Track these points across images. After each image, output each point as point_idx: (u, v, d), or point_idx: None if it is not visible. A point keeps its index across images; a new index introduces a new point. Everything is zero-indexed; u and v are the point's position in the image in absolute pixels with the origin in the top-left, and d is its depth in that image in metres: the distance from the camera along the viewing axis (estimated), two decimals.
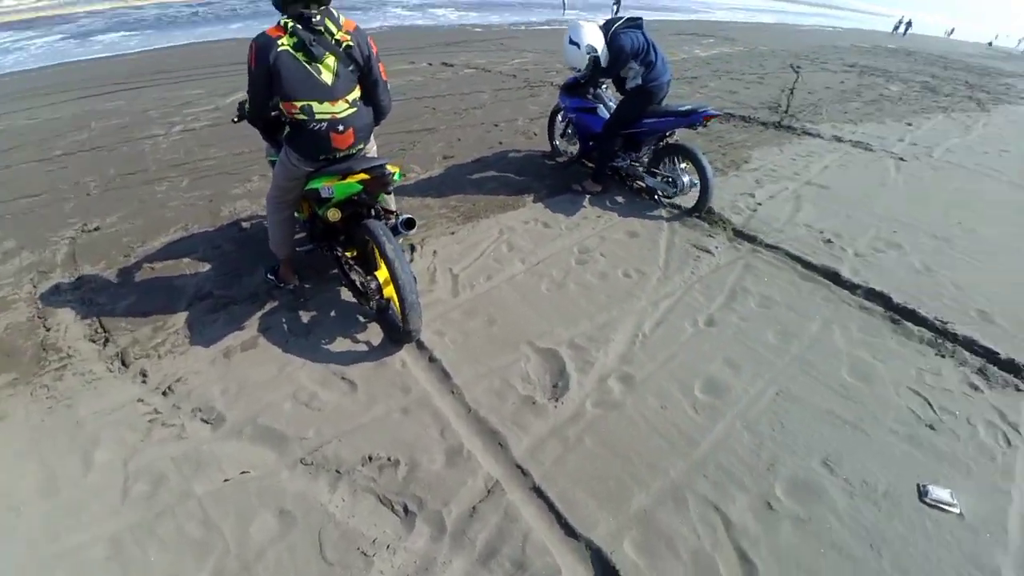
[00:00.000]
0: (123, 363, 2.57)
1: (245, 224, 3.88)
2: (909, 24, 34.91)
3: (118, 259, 3.43)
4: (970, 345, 2.78)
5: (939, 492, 1.96)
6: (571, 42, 3.96)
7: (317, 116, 2.35)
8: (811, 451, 2.11)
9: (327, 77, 2.33)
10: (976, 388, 2.50)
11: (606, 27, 3.96)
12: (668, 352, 2.62)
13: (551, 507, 1.90)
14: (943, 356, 2.70)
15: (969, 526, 1.86)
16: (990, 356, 2.71)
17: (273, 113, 2.63)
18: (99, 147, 5.51)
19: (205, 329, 2.79)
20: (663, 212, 4.13)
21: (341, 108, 2.40)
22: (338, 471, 2.02)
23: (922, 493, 1.96)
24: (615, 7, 4.56)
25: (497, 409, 2.29)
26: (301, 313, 2.91)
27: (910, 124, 7.62)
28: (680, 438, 2.16)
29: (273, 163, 2.94)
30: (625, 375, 2.47)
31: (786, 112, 7.47)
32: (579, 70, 4.15)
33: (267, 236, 2.93)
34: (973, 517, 1.89)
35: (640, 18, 4.04)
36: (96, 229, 3.82)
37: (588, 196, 4.34)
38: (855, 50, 15.88)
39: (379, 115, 2.66)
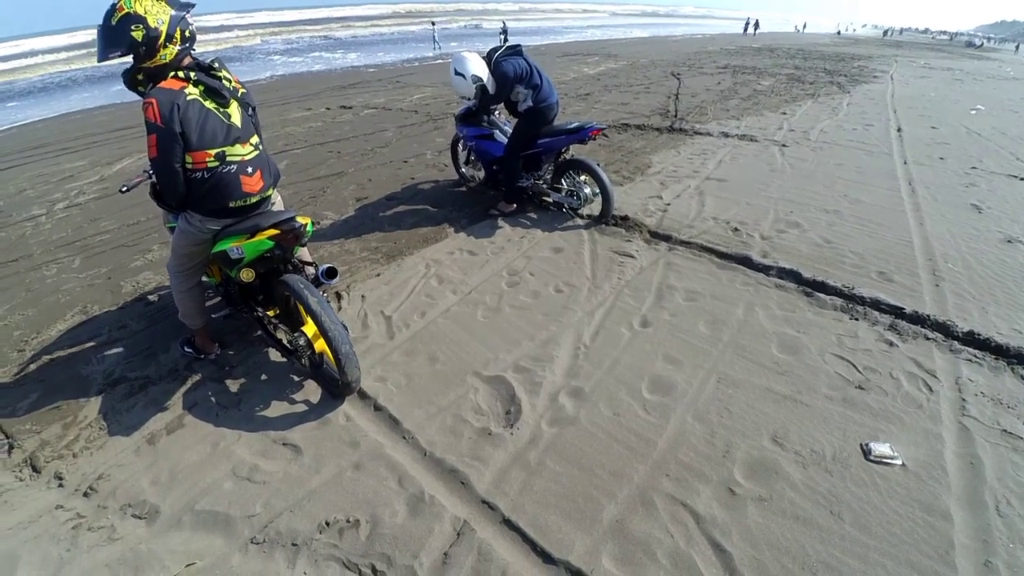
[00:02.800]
0: (34, 469, 2.27)
1: (151, 298, 3.58)
2: (757, 24, 38.88)
3: (11, 355, 3.06)
4: (877, 305, 3.04)
5: (880, 448, 2.10)
6: (456, 73, 4.13)
7: (228, 159, 2.25)
8: (760, 430, 2.21)
9: (236, 120, 2.28)
10: (891, 344, 2.73)
11: (488, 56, 4.16)
12: (611, 359, 2.67)
13: (524, 537, 1.85)
14: (856, 319, 2.93)
15: (913, 474, 2.01)
16: (897, 312, 2.98)
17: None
18: None
19: (123, 417, 2.52)
20: (580, 223, 4.26)
21: (248, 151, 2.33)
22: (295, 544, 1.87)
23: (866, 452, 2.10)
24: (502, 37, 4.76)
25: (454, 447, 2.22)
26: (228, 383, 2.70)
27: (784, 113, 8.39)
28: (637, 441, 2.19)
29: (172, 230, 2.75)
30: (574, 389, 2.49)
31: (675, 116, 7.99)
32: (469, 99, 4.31)
33: (176, 308, 2.72)
34: (915, 465, 2.05)
35: (519, 45, 4.28)
36: None
37: (506, 219, 4.43)
38: (724, 53, 17.33)
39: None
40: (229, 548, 1.88)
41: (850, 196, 4.75)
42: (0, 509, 2.09)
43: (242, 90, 2.38)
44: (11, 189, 6.33)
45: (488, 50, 4.24)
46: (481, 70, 4.08)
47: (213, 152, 2.20)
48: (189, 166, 2.20)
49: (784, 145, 6.46)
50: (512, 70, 4.02)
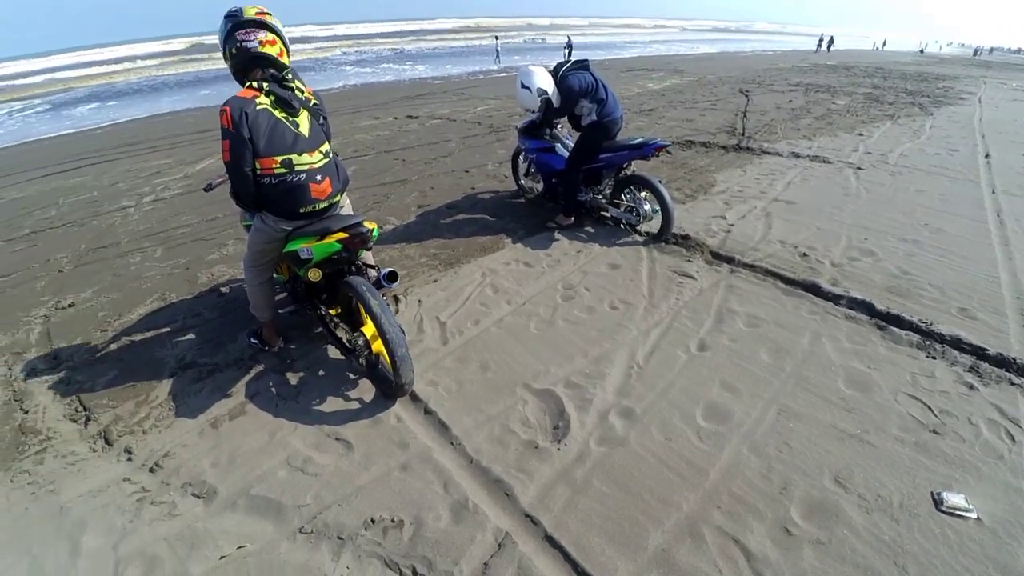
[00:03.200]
0: (106, 441, 2.45)
1: (224, 289, 3.80)
2: (832, 41, 37.23)
3: (95, 334, 3.32)
4: (958, 344, 2.83)
5: (954, 498, 1.94)
6: (523, 86, 4.19)
7: (296, 167, 2.37)
8: (821, 469, 2.09)
9: (304, 129, 2.40)
10: (971, 387, 2.53)
11: (555, 70, 4.19)
12: (665, 381, 2.61)
13: (566, 556, 1.82)
14: (934, 358, 2.74)
15: (989, 530, 1.84)
16: (979, 353, 2.76)
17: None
18: (69, 223, 5.42)
19: (190, 400, 2.69)
20: (639, 240, 4.20)
21: (317, 159, 2.45)
22: (340, 537, 1.92)
23: (937, 501, 1.94)
24: (566, 51, 4.80)
25: (500, 457, 2.23)
26: (289, 375, 2.83)
27: (861, 134, 7.97)
28: (689, 469, 2.12)
29: (248, 228, 2.92)
30: (625, 409, 2.44)
31: (743, 134, 7.75)
32: (533, 111, 4.36)
33: (247, 300, 2.88)
34: (991, 520, 1.88)
35: (586, 60, 4.28)
36: (71, 305, 3.71)
37: (563, 232, 4.43)
38: (796, 70, 16.69)
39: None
40: (278, 535, 1.95)
41: (931, 225, 4.45)
42: (74, 476, 2.27)
43: (314, 101, 2.49)
44: (105, 181, 6.91)
45: (555, 64, 4.28)
46: (547, 84, 4.12)
47: (279, 159, 2.33)
48: (258, 171, 2.33)
49: (860, 168, 6.13)
50: (578, 84, 4.04)
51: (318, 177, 2.44)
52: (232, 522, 2.01)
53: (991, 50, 64.60)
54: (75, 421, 2.60)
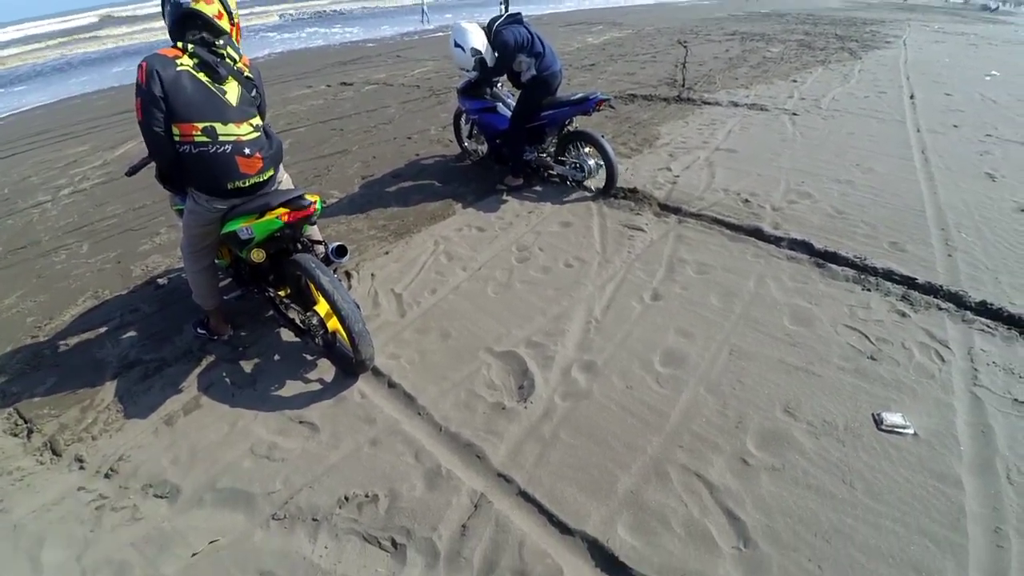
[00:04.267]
0: (54, 452, 2.32)
1: (161, 281, 3.60)
2: None
3: (25, 341, 3.10)
4: (889, 275, 3.02)
5: (892, 417, 2.11)
6: (456, 45, 4.09)
7: (220, 137, 2.23)
8: (772, 401, 2.22)
9: (231, 98, 2.26)
10: (903, 314, 2.72)
11: (488, 26, 4.07)
12: (623, 332, 2.68)
13: (541, 509, 1.88)
14: (869, 290, 2.92)
15: (925, 442, 2.02)
16: (909, 282, 2.96)
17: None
18: None
19: (139, 399, 2.56)
20: (587, 196, 4.23)
21: (246, 131, 2.30)
22: (315, 519, 1.91)
23: (877, 421, 2.10)
24: (502, 6, 4.65)
25: (468, 422, 2.25)
26: (242, 363, 2.73)
27: (795, 81, 8.20)
28: (651, 413, 2.20)
29: (180, 212, 2.76)
30: (586, 363, 2.50)
31: (683, 86, 7.82)
32: (469, 71, 4.25)
33: (189, 290, 2.74)
34: (926, 434, 2.05)
35: (519, 13, 4.18)
36: None
37: (513, 193, 4.40)
38: (732, 19, 16.88)
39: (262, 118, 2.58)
40: (251, 524, 1.92)
41: (862, 165, 4.67)
42: (24, 492, 2.15)
43: (247, 72, 2.35)
44: (14, 176, 6.33)
45: (488, 20, 4.14)
46: (480, 42, 4.01)
47: (201, 126, 2.19)
48: (177, 137, 2.19)
49: (795, 114, 6.33)
50: (513, 39, 3.93)
51: (246, 150, 2.30)
52: (201, 518, 1.97)
53: None
54: (16, 435, 2.44)
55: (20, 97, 13.05)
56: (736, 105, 6.72)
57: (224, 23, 2.29)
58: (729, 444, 2.05)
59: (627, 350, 2.56)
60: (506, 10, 4.39)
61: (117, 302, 3.41)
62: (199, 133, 2.19)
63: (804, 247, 3.32)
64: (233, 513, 1.97)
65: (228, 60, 2.26)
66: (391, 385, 2.49)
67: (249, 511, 1.97)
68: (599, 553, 1.73)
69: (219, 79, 2.21)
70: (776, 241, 3.40)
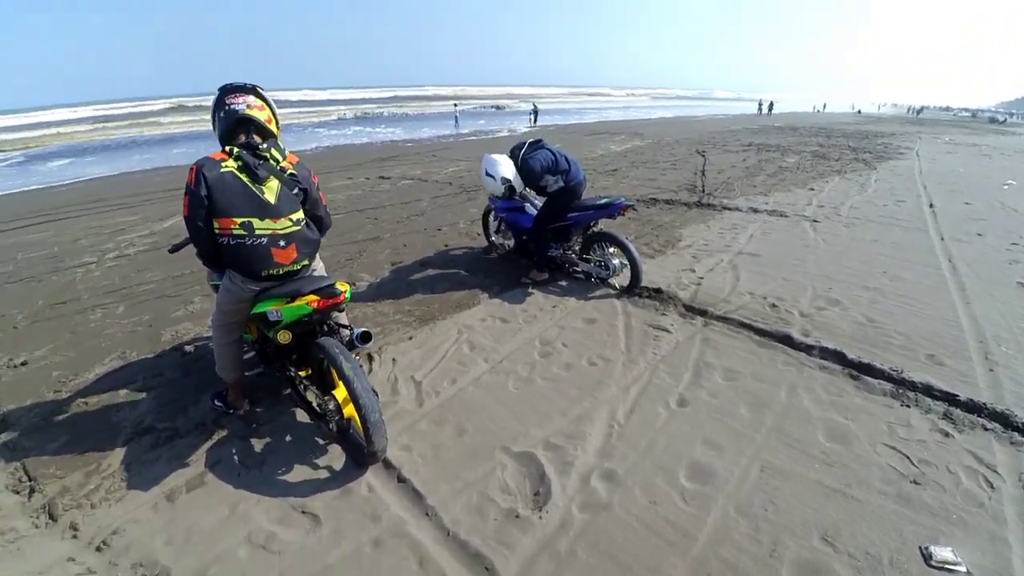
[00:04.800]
0: (51, 516, 2.23)
1: (188, 348, 3.64)
2: (771, 105, 40.50)
3: (47, 395, 3.11)
4: (929, 391, 2.87)
5: (942, 552, 1.91)
6: (487, 174, 4.43)
7: (257, 231, 2.35)
8: (808, 528, 2.04)
9: (270, 196, 2.39)
10: (946, 434, 2.55)
11: (513, 155, 4.43)
12: (647, 440, 2.55)
13: None
14: (907, 406, 2.77)
15: None
16: (950, 399, 2.81)
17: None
18: (26, 278, 5.20)
19: (145, 469, 2.49)
20: (612, 293, 4.24)
21: (284, 225, 2.42)
22: None
23: (926, 556, 1.91)
24: (532, 116, 5.01)
25: (479, 528, 2.10)
26: (253, 441, 2.67)
27: (812, 189, 8.40)
28: (676, 534, 2.04)
29: (216, 288, 2.84)
30: (607, 471, 2.36)
31: (703, 191, 8.08)
32: (499, 196, 4.57)
33: (213, 359, 2.75)
34: (980, 572, 1.84)
35: (540, 140, 4.50)
36: (23, 364, 3.49)
37: (538, 287, 4.48)
38: (747, 131, 17.73)
39: (322, 228, 2.72)
40: None
41: (889, 273, 4.63)
42: (12, 556, 2.05)
43: (291, 170, 2.49)
44: (67, 237, 6.69)
45: (511, 149, 4.50)
46: (509, 171, 4.35)
47: (239, 221, 2.32)
48: (218, 230, 2.33)
49: (816, 220, 6.42)
50: (539, 165, 4.23)
51: (282, 243, 2.42)
52: None
53: (921, 109, 70.58)
54: (18, 492, 2.38)
55: (87, 167, 14.08)
56: (756, 211, 6.86)
57: (273, 127, 2.50)
58: (762, 575, 1.86)
59: (651, 460, 2.42)
60: (535, 121, 4.74)
61: (142, 364, 3.44)
62: (237, 227, 2.33)
63: (837, 357, 3.21)
64: None
65: (272, 161, 2.41)
66: (401, 480, 2.37)
67: None
68: None
69: (259, 179, 2.35)
70: (807, 349, 3.30)
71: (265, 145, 2.39)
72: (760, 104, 40.67)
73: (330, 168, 11.41)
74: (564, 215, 4.35)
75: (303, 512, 2.22)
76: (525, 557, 1.97)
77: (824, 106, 60.45)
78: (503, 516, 2.16)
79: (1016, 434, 2.57)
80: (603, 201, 4.27)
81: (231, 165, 2.32)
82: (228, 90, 2.44)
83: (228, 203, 2.30)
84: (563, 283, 4.52)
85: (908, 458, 2.40)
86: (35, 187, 11.19)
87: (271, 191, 2.38)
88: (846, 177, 9.47)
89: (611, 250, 4.33)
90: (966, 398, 2.81)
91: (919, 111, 65.57)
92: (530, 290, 4.37)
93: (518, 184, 4.38)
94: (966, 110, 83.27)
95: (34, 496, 2.35)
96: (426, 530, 2.12)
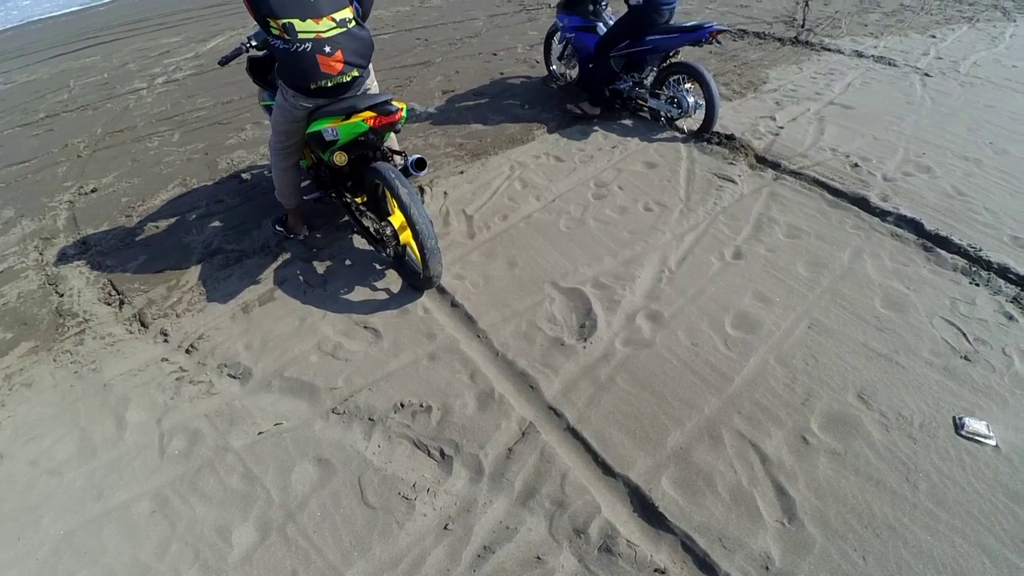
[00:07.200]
0: (142, 324, 2.54)
1: (245, 176, 3.74)
2: None
3: (120, 220, 3.34)
4: (1004, 273, 2.70)
5: (975, 424, 1.94)
6: None
7: (300, 35, 2.19)
8: (846, 384, 2.09)
9: None
10: (1011, 317, 2.44)
11: None
12: (696, 287, 2.56)
13: (587, 447, 1.90)
14: (977, 284, 2.63)
15: (1005, 458, 1.84)
16: None
17: (261, 51, 2.62)
18: (83, 106, 5.27)
19: (220, 285, 2.74)
20: (679, 137, 3.95)
21: (326, 27, 2.23)
22: (371, 419, 2.02)
23: (958, 426, 1.95)
24: None
25: (526, 352, 2.26)
26: (315, 264, 2.84)
27: (934, 36, 7.18)
28: (713, 375, 2.13)
29: (268, 108, 2.80)
30: (653, 312, 2.42)
31: (803, 26, 7.01)
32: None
33: (271, 186, 2.82)
34: (1009, 449, 1.87)
35: None
36: (93, 191, 3.70)
37: (599, 124, 4.16)
38: None
39: (365, 9, 2.51)
40: (312, 414, 2.06)
41: (996, 144, 4.09)
42: (114, 356, 2.37)
43: None
44: (115, 62, 6.60)
45: None
46: None
47: (281, 22, 2.16)
48: (271, 33, 2.22)
49: (927, 75, 5.57)
50: None
51: (327, 48, 2.24)
52: (268, 401, 2.12)
53: None
54: (110, 304, 2.68)
55: None
56: (861, 55, 5.98)
57: None
58: (791, 419, 1.96)
59: (698, 306, 2.45)
60: None
61: (203, 191, 3.58)
62: (279, 30, 2.18)
63: (913, 226, 3.00)
64: (297, 401, 2.11)
65: None
66: (454, 305, 2.52)
67: (312, 402, 2.10)
68: (639, 500, 1.74)
69: None
70: (882, 215, 3.08)
71: None
72: None
73: None
74: (643, 37, 3.79)
75: (365, 327, 2.43)
76: (567, 379, 2.14)
77: None
78: (549, 343, 2.29)
79: None
80: (691, 24, 3.65)
81: None
82: None
83: (268, 2, 2.14)
84: (626, 122, 4.21)
85: (964, 335, 2.33)
86: (77, 7, 10.78)
87: None
88: (977, 26, 7.98)
89: (688, 86, 3.86)
90: None
91: None
92: (589, 128, 4.11)
93: None
94: None
95: (124, 307, 2.64)
96: (477, 350, 2.29)
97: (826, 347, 2.24)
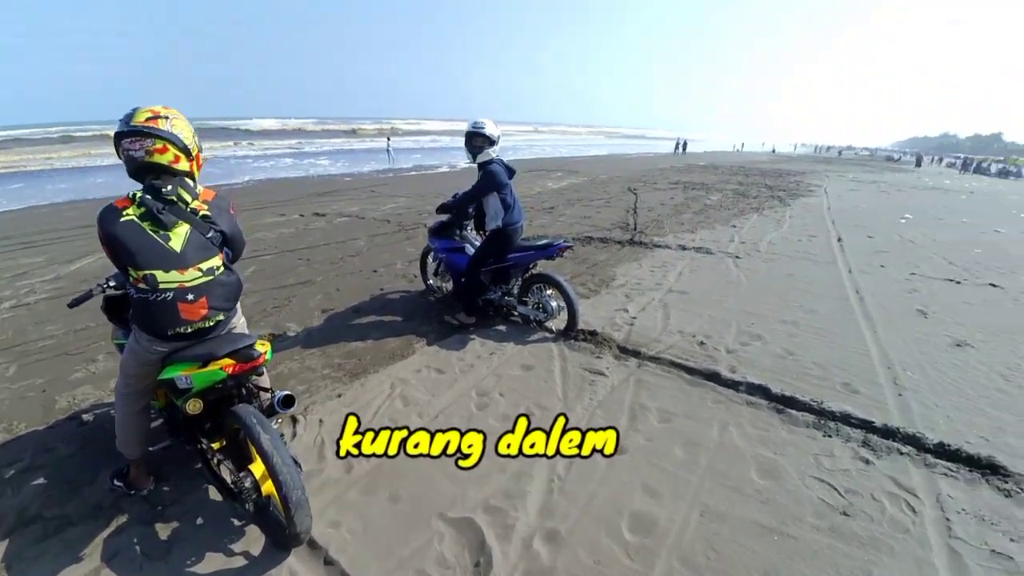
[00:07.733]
0: None
1: (87, 416, 3.25)
2: (685, 144, 44.12)
3: None
4: (847, 420, 3.03)
5: None
6: (475, 126, 4.24)
7: (161, 285, 2.12)
8: (750, 572, 2.04)
9: (175, 244, 2.16)
10: (867, 461, 2.68)
11: (481, 163, 4.26)
12: (587, 492, 2.49)
13: None
14: (829, 436, 2.89)
15: None
16: (867, 426, 2.98)
17: (119, 291, 2.49)
18: None
19: (30, 568, 2.14)
20: (549, 337, 4.23)
21: (192, 276, 2.19)
22: None
23: None
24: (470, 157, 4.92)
25: None
26: (159, 527, 2.37)
27: (734, 226, 8.95)
28: None
29: (120, 347, 2.57)
30: (550, 532, 2.27)
31: (635, 229, 8.40)
32: (476, 145, 4.27)
33: (114, 432, 2.45)
34: None
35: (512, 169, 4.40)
36: None
37: (476, 332, 4.40)
38: (674, 170, 18.88)
39: (236, 254, 2.52)
40: None
41: (805, 306, 4.92)
42: None
43: (204, 211, 2.26)
44: None
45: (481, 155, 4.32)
46: (494, 132, 4.20)
47: (141, 274, 2.11)
48: (133, 279, 2.15)
49: (737, 257, 6.79)
50: (498, 176, 4.13)
51: (189, 296, 2.19)
52: None
53: (827, 148, 78.95)
54: None
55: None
56: (684, 248, 7.18)
57: (183, 164, 2.22)
58: None
59: (592, 515, 2.36)
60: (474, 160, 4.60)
61: (32, 439, 3.02)
62: (140, 281, 2.12)
63: (762, 391, 3.33)
64: None
65: (179, 203, 2.19)
66: (328, 562, 2.17)
67: None
68: None
69: (164, 226, 2.14)
70: (734, 385, 3.41)
71: (169, 188, 2.15)
72: (677, 144, 43.60)
73: (262, 203, 10.95)
74: (503, 256, 4.32)
75: None
76: None
77: (743, 145, 66.06)
78: None
79: (928, 455, 2.74)
80: (543, 242, 4.29)
81: (132, 213, 2.10)
82: (124, 134, 2.14)
83: (130, 254, 2.08)
84: (501, 327, 4.47)
85: (836, 489, 2.48)
86: None
87: (178, 238, 2.16)
88: (764, 214, 10.17)
89: (549, 292, 4.35)
90: (881, 424, 2.98)
91: (827, 149, 73.26)
92: (468, 335, 4.29)
93: (495, 151, 4.23)
94: (866, 149, 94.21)
95: None
96: None
97: (722, 534, 2.22)
